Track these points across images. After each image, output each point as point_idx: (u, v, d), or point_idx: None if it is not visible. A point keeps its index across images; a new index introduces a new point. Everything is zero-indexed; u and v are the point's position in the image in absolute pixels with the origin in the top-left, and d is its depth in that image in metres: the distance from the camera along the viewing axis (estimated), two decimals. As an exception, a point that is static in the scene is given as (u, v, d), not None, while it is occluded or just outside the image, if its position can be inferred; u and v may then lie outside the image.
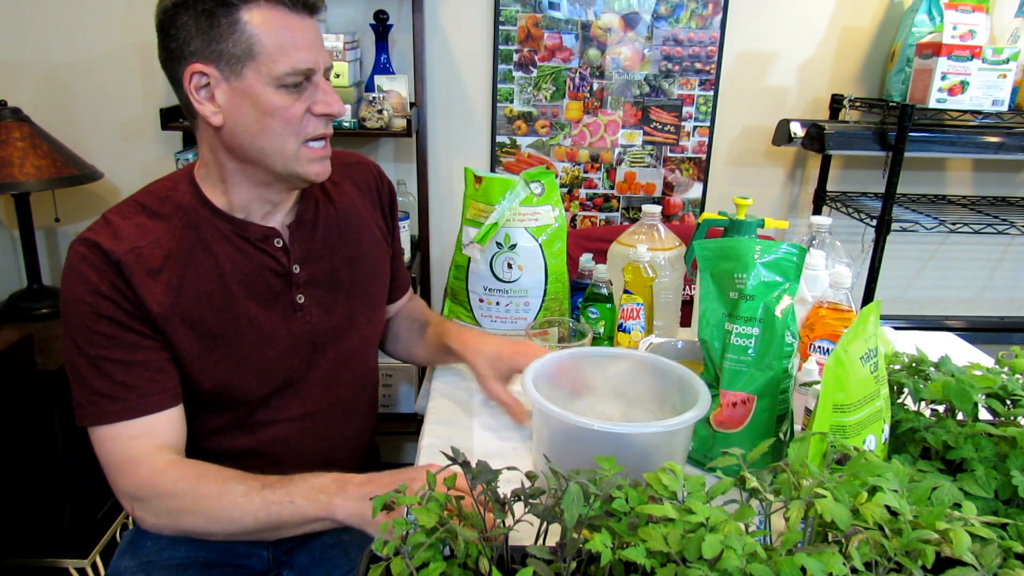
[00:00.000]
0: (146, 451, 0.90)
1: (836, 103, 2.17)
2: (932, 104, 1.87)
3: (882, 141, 1.99)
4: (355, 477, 0.86)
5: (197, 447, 1.01)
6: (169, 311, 0.92)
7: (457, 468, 0.66)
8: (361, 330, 1.12)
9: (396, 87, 1.92)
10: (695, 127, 2.20)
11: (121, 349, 0.90)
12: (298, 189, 1.03)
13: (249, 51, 0.86)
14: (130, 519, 1.16)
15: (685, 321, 1.40)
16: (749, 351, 0.91)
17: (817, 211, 2.26)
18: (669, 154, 2.23)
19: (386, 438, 2.33)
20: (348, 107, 1.83)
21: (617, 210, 2.28)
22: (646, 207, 1.34)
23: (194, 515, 0.88)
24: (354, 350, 1.11)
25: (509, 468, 0.74)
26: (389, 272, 1.19)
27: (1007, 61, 1.84)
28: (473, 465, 0.66)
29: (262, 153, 0.92)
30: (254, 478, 0.88)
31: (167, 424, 0.93)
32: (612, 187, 2.25)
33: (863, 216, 2.05)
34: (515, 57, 2.11)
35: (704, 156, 2.23)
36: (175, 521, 0.89)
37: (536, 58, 2.11)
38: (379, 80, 1.93)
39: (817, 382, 0.86)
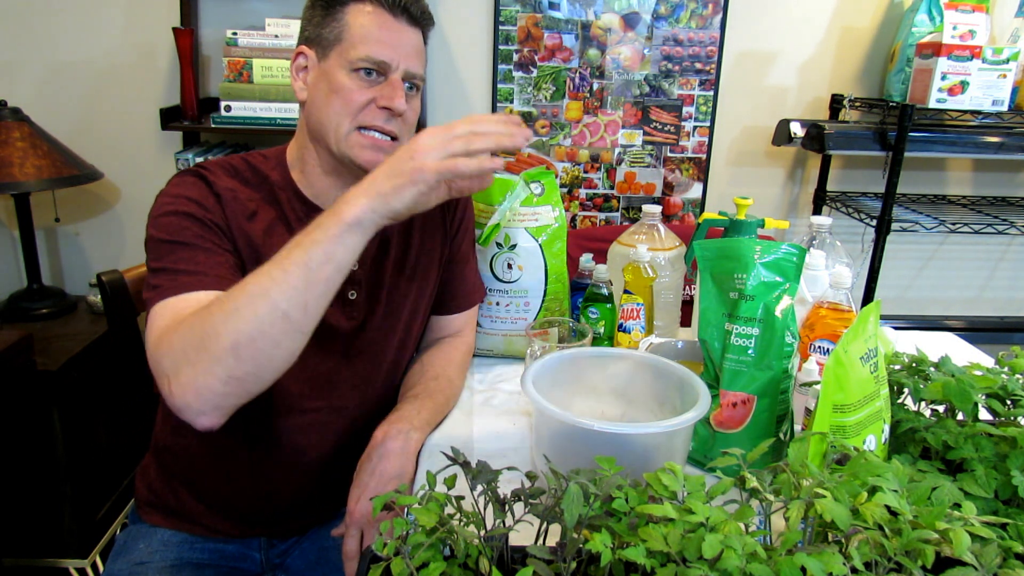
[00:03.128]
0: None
1: (836, 103, 2.17)
2: (932, 104, 1.87)
3: (882, 141, 1.99)
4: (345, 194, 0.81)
5: (215, 432, 1.02)
6: (251, 254, 0.96)
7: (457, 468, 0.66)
8: (399, 334, 1.12)
9: (396, 87, 1.92)
10: (695, 127, 2.20)
11: (205, 242, 0.92)
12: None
13: (339, 37, 0.95)
14: (129, 518, 1.15)
15: (685, 321, 1.40)
16: (749, 351, 0.91)
17: (817, 211, 2.26)
18: (669, 154, 2.23)
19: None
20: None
21: (617, 210, 2.28)
22: (646, 207, 1.34)
23: (217, 325, 0.76)
24: (389, 354, 1.11)
25: (509, 468, 0.74)
26: (437, 279, 1.16)
27: (1007, 61, 1.83)
28: (473, 465, 0.66)
29: (323, 130, 0.97)
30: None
31: None
32: (612, 187, 2.25)
33: (863, 216, 2.05)
34: (515, 57, 2.11)
35: (704, 156, 2.23)
36: (205, 350, 0.77)
37: (536, 58, 2.11)
38: (379, 80, 1.93)
39: (817, 382, 0.86)
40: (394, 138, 0.99)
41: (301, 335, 0.80)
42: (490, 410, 1.14)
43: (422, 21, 1.00)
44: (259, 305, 0.76)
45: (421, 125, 2.07)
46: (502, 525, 0.62)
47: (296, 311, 0.77)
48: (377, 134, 0.97)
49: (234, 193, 0.96)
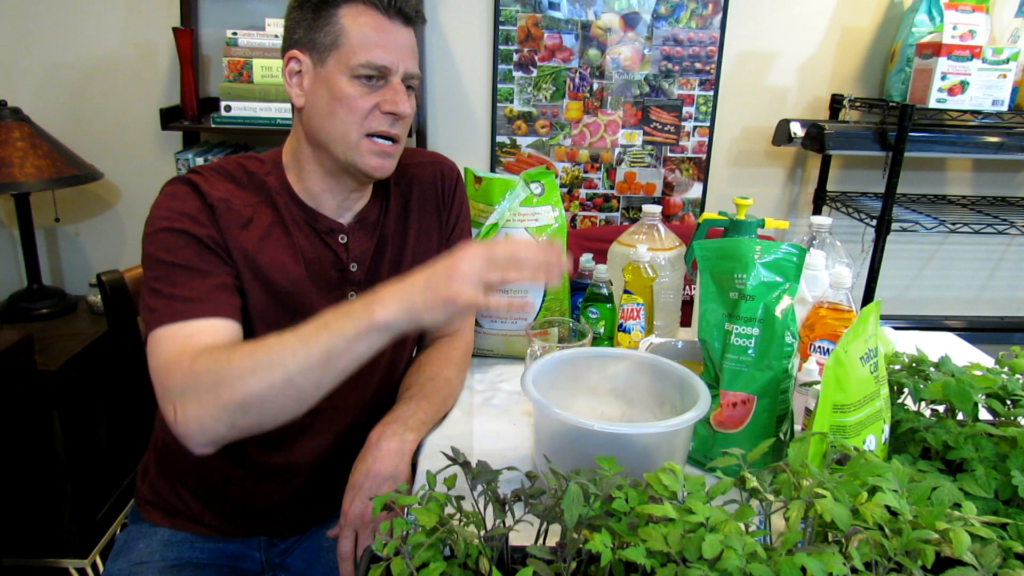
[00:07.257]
0: (194, 347, 0.88)
1: (836, 103, 2.17)
2: (932, 104, 1.87)
3: (882, 141, 1.99)
4: (383, 287, 0.83)
5: None
6: (246, 264, 0.96)
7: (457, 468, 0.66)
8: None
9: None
10: (695, 127, 2.20)
11: (202, 264, 0.92)
12: (364, 184, 1.03)
13: (336, 42, 0.94)
14: (129, 518, 1.15)
15: (685, 321, 1.40)
16: (749, 351, 0.91)
17: (817, 211, 2.26)
18: (669, 154, 2.23)
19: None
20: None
21: (617, 210, 2.28)
22: (646, 207, 1.34)
23: (233, 379, 0.81)
24: (387, 354, 1.10)
25: (509, 468, 0.74)
26: None
27: (1007, 61, 1.84)
28: (473, 465, 0.66)
29: (328, 138, 0.96)
30: (283, 332, 0.84)
31: (224, 330, 0.91)
32: (612, 187, 2.25)
33: (863, 216, 2.05)
34: (515, 57, 2.11)
35: (704, 156, 2.23)
36: (216, 397, 0.82)
37: (536, 58, 2.11)
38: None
39: (817, 382, 0.86)
40: (395, 141, 0.98)
41: (308, 404, 0.85)
42: (490, 410, 1.14)
43: (415, 20, 0.99)
44: (275, 374, 0.81)
45: (421, 124, 2.08)
46: (502, 525, 0.62)
47: (308, 387, 0.82)
48: (384, 140, 0.97)
49: (227, 203, 0.96)
